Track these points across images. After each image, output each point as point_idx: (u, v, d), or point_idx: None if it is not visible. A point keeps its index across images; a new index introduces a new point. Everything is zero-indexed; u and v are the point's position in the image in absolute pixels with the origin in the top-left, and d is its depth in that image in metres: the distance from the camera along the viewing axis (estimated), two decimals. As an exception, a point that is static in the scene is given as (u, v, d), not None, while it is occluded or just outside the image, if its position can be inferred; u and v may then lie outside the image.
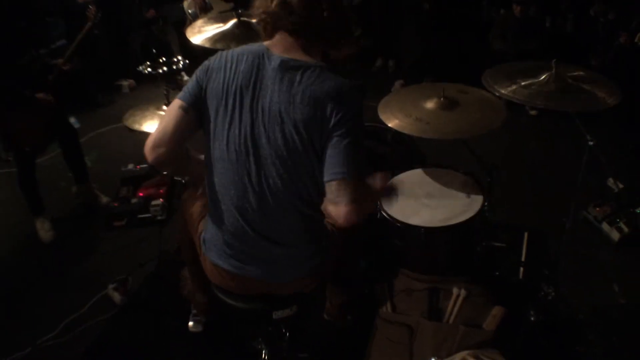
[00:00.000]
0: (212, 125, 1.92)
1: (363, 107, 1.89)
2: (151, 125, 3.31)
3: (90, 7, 4.16)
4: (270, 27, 1.91)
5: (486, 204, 2.81)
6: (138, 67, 3.58)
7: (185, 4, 6.47)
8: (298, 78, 1.82)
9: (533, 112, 5.65)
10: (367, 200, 1.97)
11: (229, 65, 1.89)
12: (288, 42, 1.90)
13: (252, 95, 1.85)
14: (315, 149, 1.82)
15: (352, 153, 1.80)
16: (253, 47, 1.93)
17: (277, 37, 1.92)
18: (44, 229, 4.09)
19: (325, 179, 1.81)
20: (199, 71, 1.95)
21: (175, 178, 3.73)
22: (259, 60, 1.87)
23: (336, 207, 1.80)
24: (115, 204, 4.23)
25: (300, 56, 1.87)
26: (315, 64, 1.86)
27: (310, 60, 1.87)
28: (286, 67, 1.84)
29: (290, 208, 1.93)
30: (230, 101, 1.87)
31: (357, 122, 1.84)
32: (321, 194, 1.89)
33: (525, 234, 3.54)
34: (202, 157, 2.07)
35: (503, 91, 2.56)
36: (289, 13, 1.85)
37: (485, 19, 6.44)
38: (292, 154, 1.84)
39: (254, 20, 3.05)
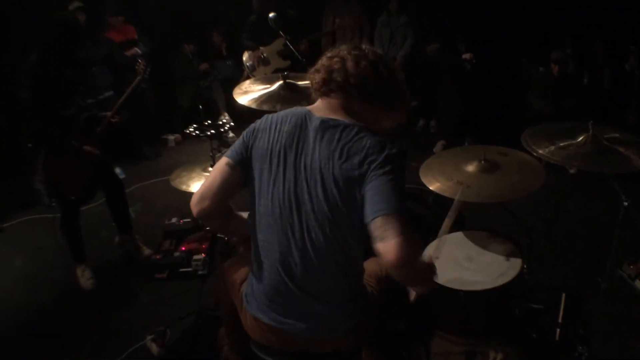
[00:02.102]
0: (257, 182, 1.99)
1: (405, 164, 1.90)
2: (197, 186, 3.35)
3: (140, 61, 4.27)
4: (327, 87, 1.97)
5: (525, 267, 2.79)
6: (186, 126, 3.66)
7: (245, 57, 6.68)
8: (337, 136, 1.89)
9: (572, 171, 5.61)
10: (418, 254, 1.99)
11: (274, 126, 1.98)
12: (331, 105, 1.97)
13: (295, 153, 1.93)
14: (356, 203, 1.85)
15: (395, 189, 1.80)
16: (297, 109, 2.02)
17: (319, 102, 2.02)
18: (84, 277, 4.14)
19: (369, 218, 1.79)
20: (246, 132, 2.05)
21: (219, 235, 3.78)
22: (302, 121, 1.96)
23: (384, 243, 1.73)
24: (158, 257, 4.28)
25: (340, 117, 1.94)
26: (355, 124, 1.92)
27: (350, 121, 1.93)
28: (326, 126, 1.92)
29: (333, 264, 1.96)
30: (275, 160, 1.94)
31: (398, 167, 1.85)
32: (362, 251, 1.94)
33: (563, 295, 3.48)
34: (246, 215, 2.13)
35: (541, 152, 2.60)
36: (346, 75, 1.93)
37: (525, 78, 6.46)
38: (334, 210, 1.88)
39: (299, 83, 3.14)
